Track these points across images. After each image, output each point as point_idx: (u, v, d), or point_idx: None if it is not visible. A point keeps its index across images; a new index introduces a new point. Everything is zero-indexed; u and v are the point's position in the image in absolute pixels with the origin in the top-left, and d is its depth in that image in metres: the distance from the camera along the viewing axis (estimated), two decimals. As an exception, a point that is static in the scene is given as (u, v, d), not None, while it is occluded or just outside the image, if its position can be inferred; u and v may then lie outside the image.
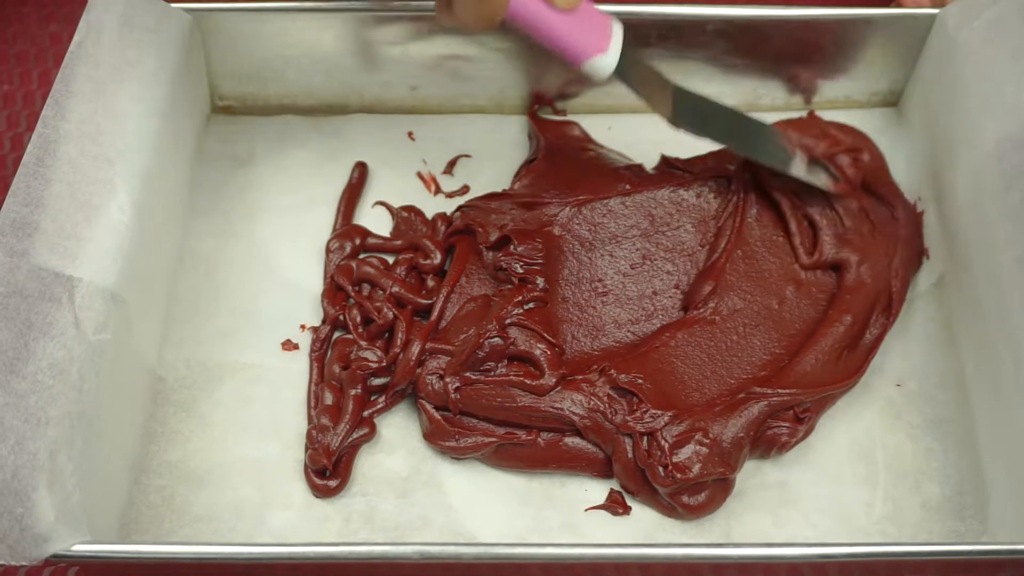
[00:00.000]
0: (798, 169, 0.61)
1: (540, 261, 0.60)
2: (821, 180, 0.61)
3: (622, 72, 0.56)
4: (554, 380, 0.56)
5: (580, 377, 0.57)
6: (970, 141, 0.59)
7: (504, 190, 0.65)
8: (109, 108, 0.56)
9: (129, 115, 0.57)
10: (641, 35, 0.64)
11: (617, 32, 0.56)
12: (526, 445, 0.56)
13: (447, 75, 0.67)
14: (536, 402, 0.56)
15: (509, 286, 0.60)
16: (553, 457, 0.57)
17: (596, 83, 0.57)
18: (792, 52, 0.66)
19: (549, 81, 0.68)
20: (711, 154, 0.65)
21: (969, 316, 0.59)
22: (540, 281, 0.59)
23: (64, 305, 0.50)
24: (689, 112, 0.59)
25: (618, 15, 0.62)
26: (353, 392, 0.58)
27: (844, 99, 0.68)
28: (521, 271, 0.59)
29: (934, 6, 0.64)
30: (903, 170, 0.65)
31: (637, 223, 0.62)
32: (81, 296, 0.51)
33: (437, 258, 0.62)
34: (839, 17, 0.63)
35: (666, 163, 0.65)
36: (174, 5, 0.62)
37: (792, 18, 0.64)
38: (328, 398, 0.58)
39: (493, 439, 0.56)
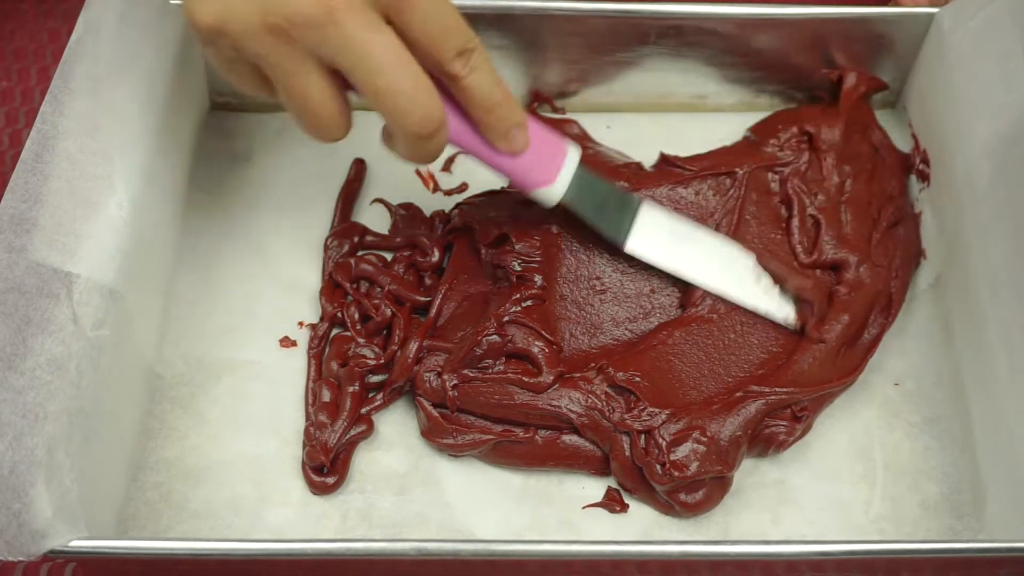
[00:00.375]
0: (759, 300, 0.59)
1: (538, 259, 0.60)
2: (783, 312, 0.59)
3: (573, 198, 0.56)
4: (552, 378, 0.56)
5: (578, 375, 0.57)
6: (962, 142, 0.59)
7: (502, 188, 0.65)
8: (108, 104, 0.56)
9: (128, 111, 0.57)
10: (640, 33, 0.64)
11: (572, 158, 0.55)
12: (524, 443, 0.56)
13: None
14: (534, 399, 0.56)
15: (507, 284, 0.60)
16: (551, 455, 0.57)
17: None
18: (789, 52, 0.66)
19: (548, 79, 0.68)
20: (710, 153, 0.65)
21: (966, 315, 0.59)
22: (538, 279, 0.59)
23: (62, 301, 0.50)
24: (647, 237, 0.58)
25: (615, 13, 0.62)
26: (351, 389, 0.58)
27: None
28: (519, 269, 0.59)
29: (932, 5, 0.64)
30: (901, 169, 0.66)
31: (635, 221, 0.62)
32: (79, 292, 0.51)
33: (435, 256, 0.62)
34: (836, 16, 0.63)
35: (665, 161, 0.65)
36: (173, 1, 0.62)
37: (790, 17, 0.63)
38: (326, 395, 0.58)
39: (491, 436, 0.56)
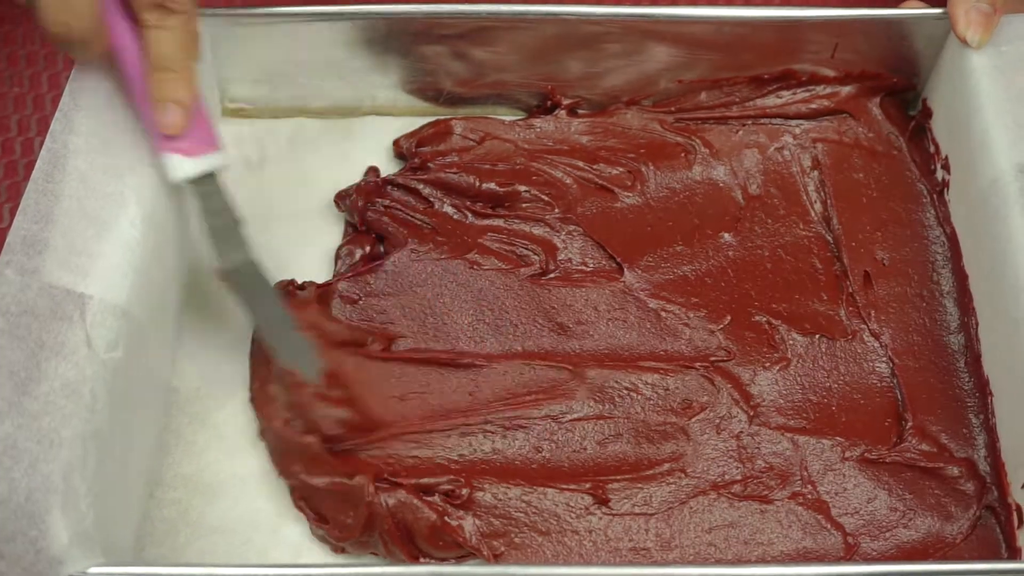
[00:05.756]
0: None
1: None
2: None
3: (202, 196, 0.55)
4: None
5: None
6: (990, 146, 0.57)
7: None
8: (118, 120, 0.56)
9: (138, 127, 0.56)
10: (652, 36, 0.63)
11: (217, 157, 0.55)
12: None
13: (459, 77, 0.66)
14: None
15: None
16: None
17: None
18: (811, 55, 0.64)
19: (560, 83, 0.67)
20: None
21: (992, 322, 0.58)
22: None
23: (76, 323, 0.50)
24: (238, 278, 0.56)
25: (620, 15, 0.62)
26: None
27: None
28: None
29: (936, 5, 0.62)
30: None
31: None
32: (93, 314, 0.50)
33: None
34: (854, 18, 0.62)
35: None
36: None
37: (809, 19, 0.62)
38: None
39: None
